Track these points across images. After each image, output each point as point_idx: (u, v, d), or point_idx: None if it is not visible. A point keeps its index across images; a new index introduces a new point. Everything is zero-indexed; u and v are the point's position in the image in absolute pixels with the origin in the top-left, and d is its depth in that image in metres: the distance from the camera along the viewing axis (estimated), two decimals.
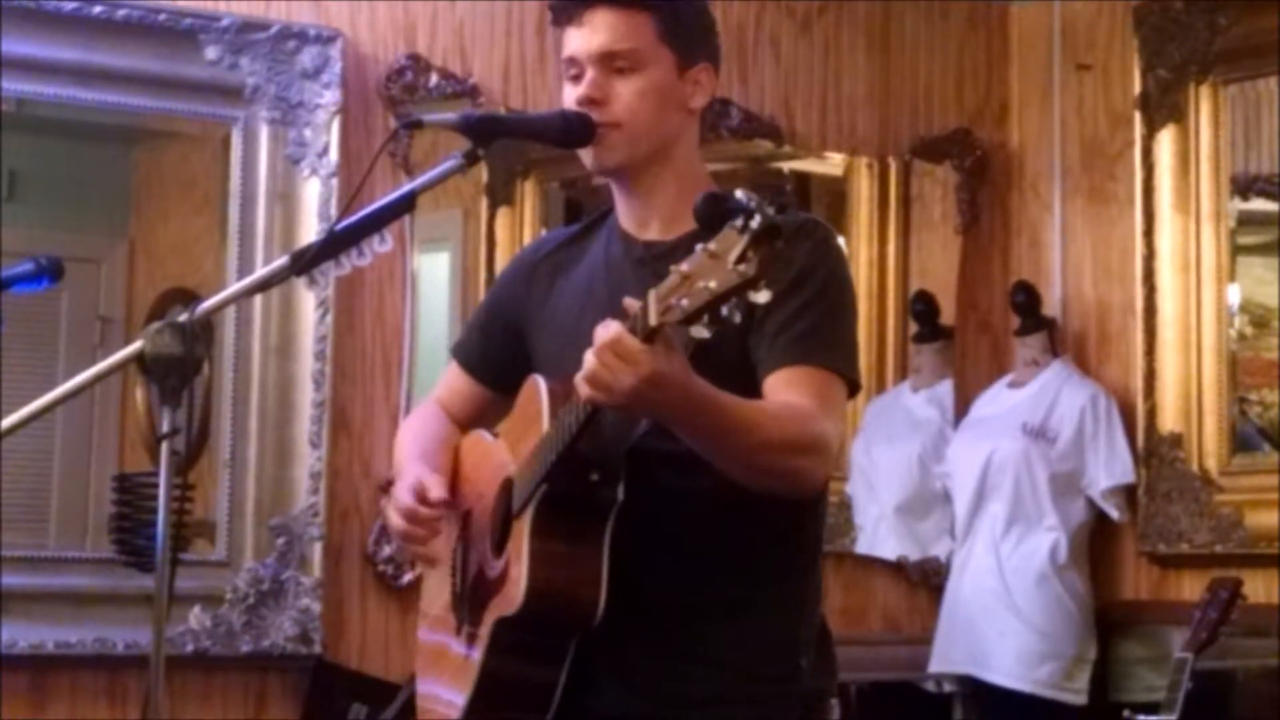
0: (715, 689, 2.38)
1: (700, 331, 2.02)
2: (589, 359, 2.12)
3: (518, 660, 2.34)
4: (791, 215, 2.09)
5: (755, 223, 1.97)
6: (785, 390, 2.32)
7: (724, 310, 1.99)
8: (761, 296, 1.99)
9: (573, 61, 2.47)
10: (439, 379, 2.78)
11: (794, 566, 2.45)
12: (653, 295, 2.05)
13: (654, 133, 2.46)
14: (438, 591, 2.62)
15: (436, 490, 2.45)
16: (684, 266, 2.01)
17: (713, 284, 1.98)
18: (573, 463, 2.27)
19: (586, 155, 2.48)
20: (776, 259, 1.99)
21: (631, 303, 2.12)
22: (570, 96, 2.47)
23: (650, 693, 2.38)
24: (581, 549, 2.28)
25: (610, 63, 2.44)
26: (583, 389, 2.15)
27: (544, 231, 4.85)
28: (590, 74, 2.45)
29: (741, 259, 1.97)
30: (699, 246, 2.01)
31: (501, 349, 2.63)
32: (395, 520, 2.48)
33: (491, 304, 2.71)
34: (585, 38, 2.45)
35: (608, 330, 2.11)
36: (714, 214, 2.01)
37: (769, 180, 5.31)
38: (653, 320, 2.05)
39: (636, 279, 2.35)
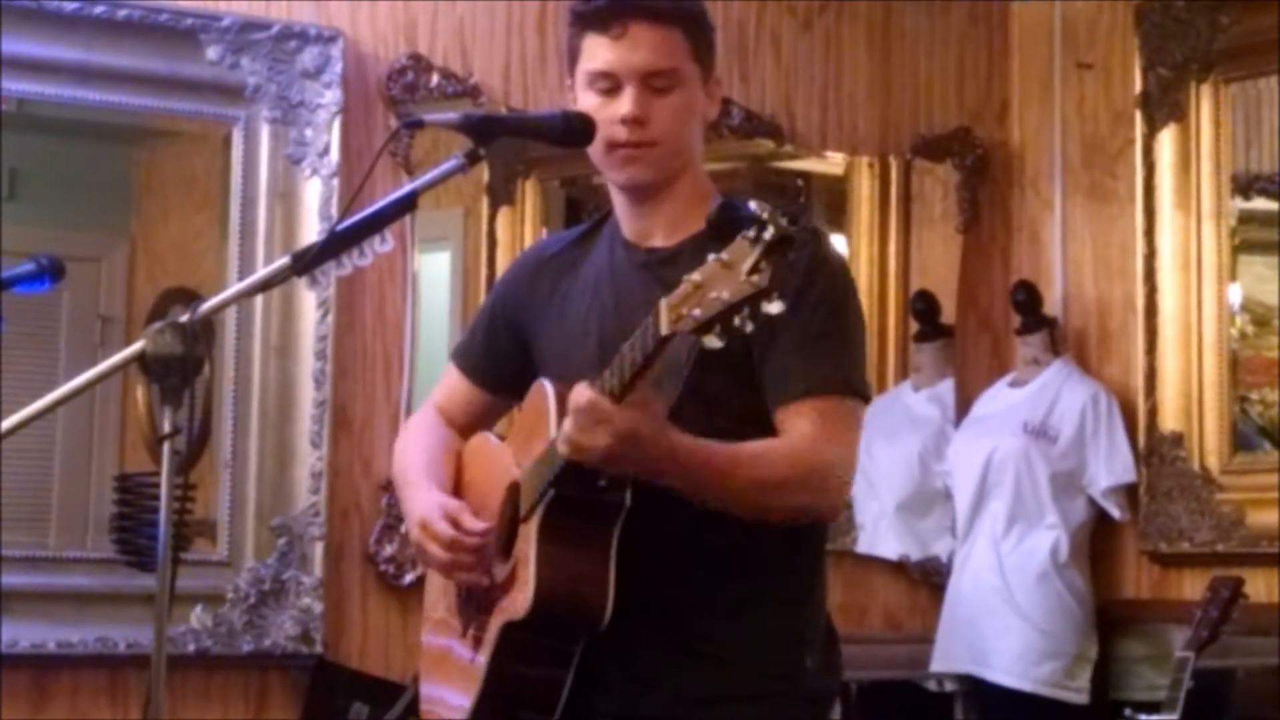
0: (722, 687, 2.39)
1: (713, 341, 2.02)
2: (566, 423, 2.15)
3: (524, 663, 2.34)
4: (805, 224, 2.08)
5: (768, 234, 1.97)
6: (796, 423, 2.34)
7: (736, 320, 1.99)
8: (774, 307, 1.99)
9: (607, 75, 2.42)
10: (438, 381, 2.77)
11: (799, 565, 2.46)
12: (664, 305, 2.05)
13: (687, 149, 2.47)
14: (441, 595, 2.61)
15: (470, 520, 2.43)
16: (695, 276, 2.01)
17: (725, 294, 1.98)
18: (580, 467, 2.26)
19: (612, 168, 2.45)
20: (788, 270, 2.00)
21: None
22: (591, 104, 2.43)
23: (657, 691, 2.39)
24: (589, 553, 2.28)
25: (651, 81, 2.42)
26: (563, 449, 2.18)
27: (544, 230, 4.85)
28: (632, 92, 2.41)
29: (754, 270, 1.97)
30: (711, 256, 2.01)
31: (504, 352, 2.63)
32: (438, 552, 2.43)
33: (494, 306, 2.69)
34: (624, 53, 2.41)
35: (581, 395, 2.14)
36: (727, 223, 2.01)
37: (780, 182, 5.31)
38: (664, 329, 2.05)
39: (642, 284, 2.37)
